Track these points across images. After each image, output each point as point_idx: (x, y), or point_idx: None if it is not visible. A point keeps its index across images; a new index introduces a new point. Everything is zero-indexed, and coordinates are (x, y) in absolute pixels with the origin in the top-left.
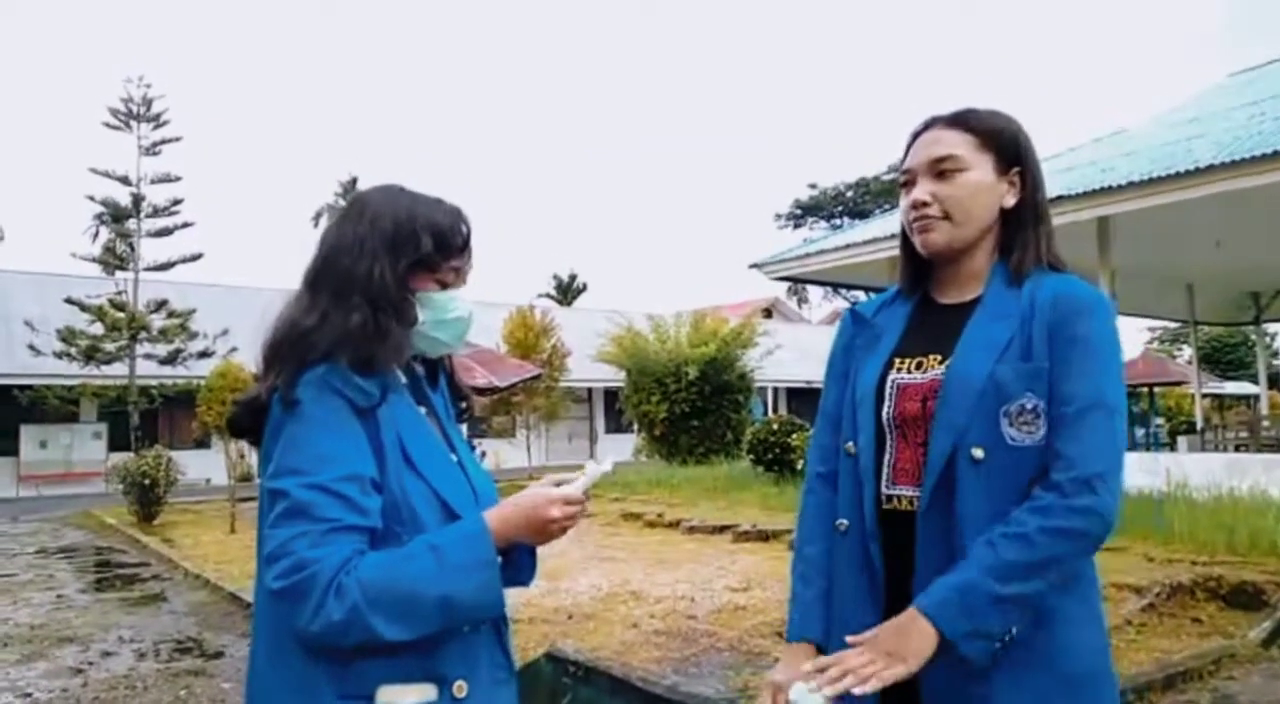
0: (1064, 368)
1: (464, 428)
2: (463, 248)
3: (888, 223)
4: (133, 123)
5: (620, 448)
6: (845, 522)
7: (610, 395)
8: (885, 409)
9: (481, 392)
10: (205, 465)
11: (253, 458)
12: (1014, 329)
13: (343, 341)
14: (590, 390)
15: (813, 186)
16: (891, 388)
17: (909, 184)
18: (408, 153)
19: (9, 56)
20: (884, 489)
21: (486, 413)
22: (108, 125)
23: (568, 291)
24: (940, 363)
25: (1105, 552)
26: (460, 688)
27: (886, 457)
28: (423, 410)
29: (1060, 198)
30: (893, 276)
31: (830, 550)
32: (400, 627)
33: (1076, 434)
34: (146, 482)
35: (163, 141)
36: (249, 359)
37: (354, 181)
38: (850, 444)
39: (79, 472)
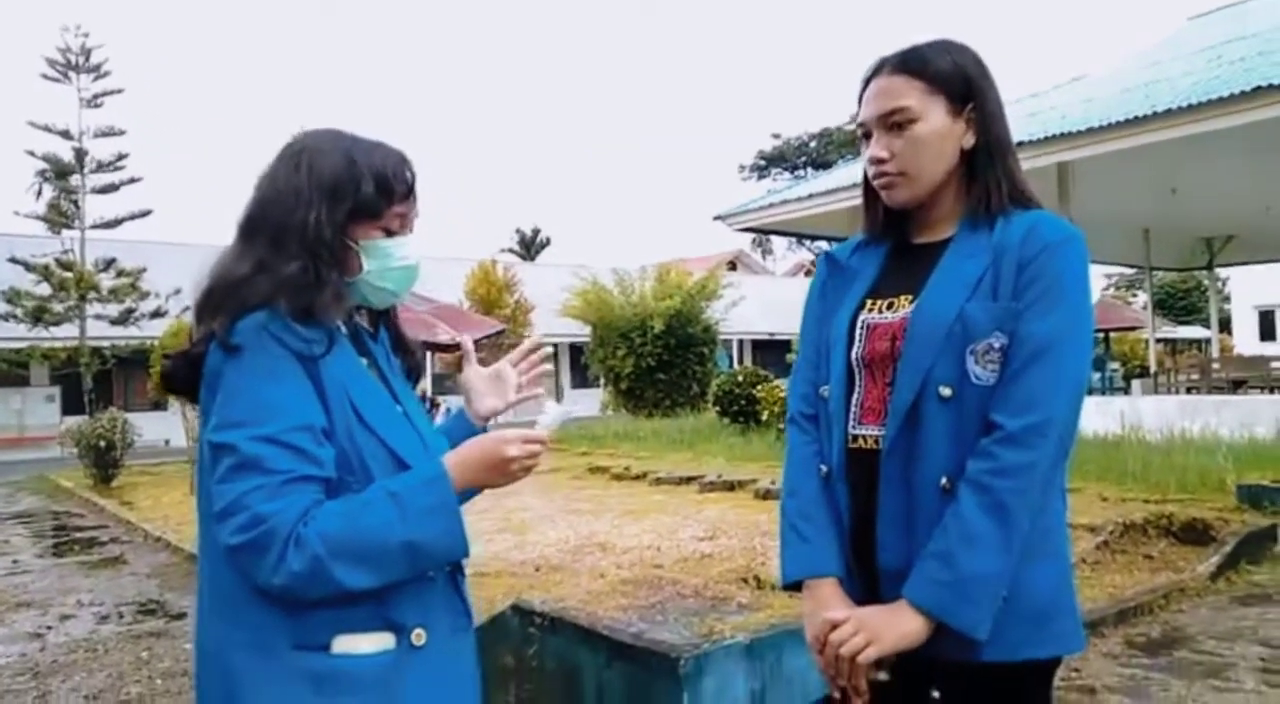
0: (1026, 306)
1: (424, 384)
2: (407, 194)
3: (850, 172)
4: (71, 74)
5: (587, 402)
6: (825, 467)
7: (576, 350)
8: (855, 350)
9: (445, 348)
10: (163, 427)
11: None
12: (984, 267)
13: (281, 289)
14: (556, 346)
15: (776, 137)
16: (862, 328)
17: (867, 136)
18: (362, 102)
19: None
20: (850, 429)
21: (451, 369)
22: (45, 77)
23: (530, 246)
24: (911, 302)
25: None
26: (419, 636)
27: (855, 396)
28: (364, 362)
29: (1021, 144)
30: (854, 227)
31: (824, 488)
32: (364, 575)
33: (1027, 375)
34: (102, 444)
35: (104, 93)
36: None
37: None
38: (825, 388)
39: (32, 436)
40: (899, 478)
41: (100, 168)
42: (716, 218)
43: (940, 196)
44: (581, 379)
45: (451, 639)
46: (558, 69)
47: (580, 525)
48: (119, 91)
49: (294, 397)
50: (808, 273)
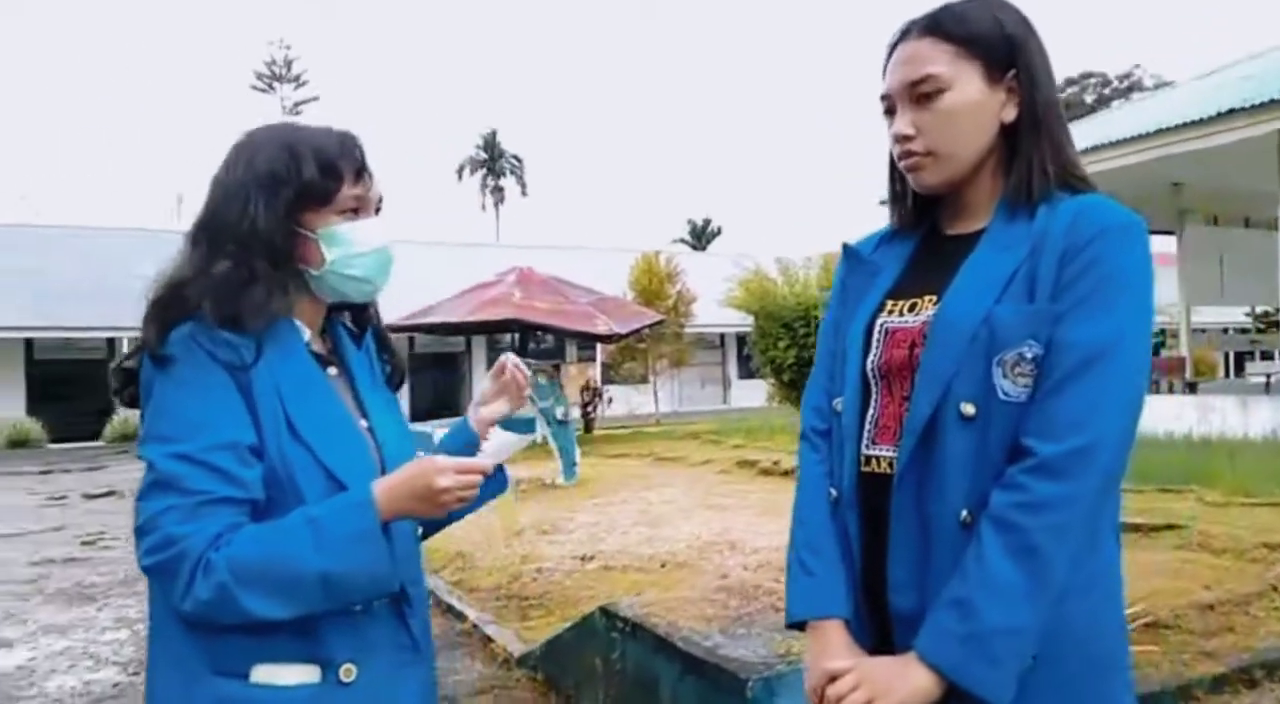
0: (1069, 308)
1: (592, 374)
2: (357, 172)
3: None
4: (275, 84)
5: (752, 394)
6: (835, 491)
7: (743, 341)
8: (871, 357)
9: (602, 338)
10: None
11: (404, 402)
12: (1019, 262)
13: (208, 292)
14: (723, 336)
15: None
16: (880, 333)
17: (891, 111)
18: (546, 103)
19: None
20: (864, 449)
21: (613, 360)
22: (254, 87)
23: (701, 235)
24: (935, 304)
25: (1245, 506)
26: (348, 671)
27: (870, 412)
28: (332, 371)
29: (1234, 111)
30: None
31: (835, 516)
32: (275, 605)
33: (1068, 390)
34: None
35: (303, 101)
36: (387, 312)
37: (494, 134)
38: (839, 400)
39: None
40: (912, 509)
41: None
42: (883, 202)
43: (976, 179)
44: (746, 370)
45: (391, 676)
46: (735, 56)
47: (716, 521)
48: (315, 99)
49: (218, 412)
50: None
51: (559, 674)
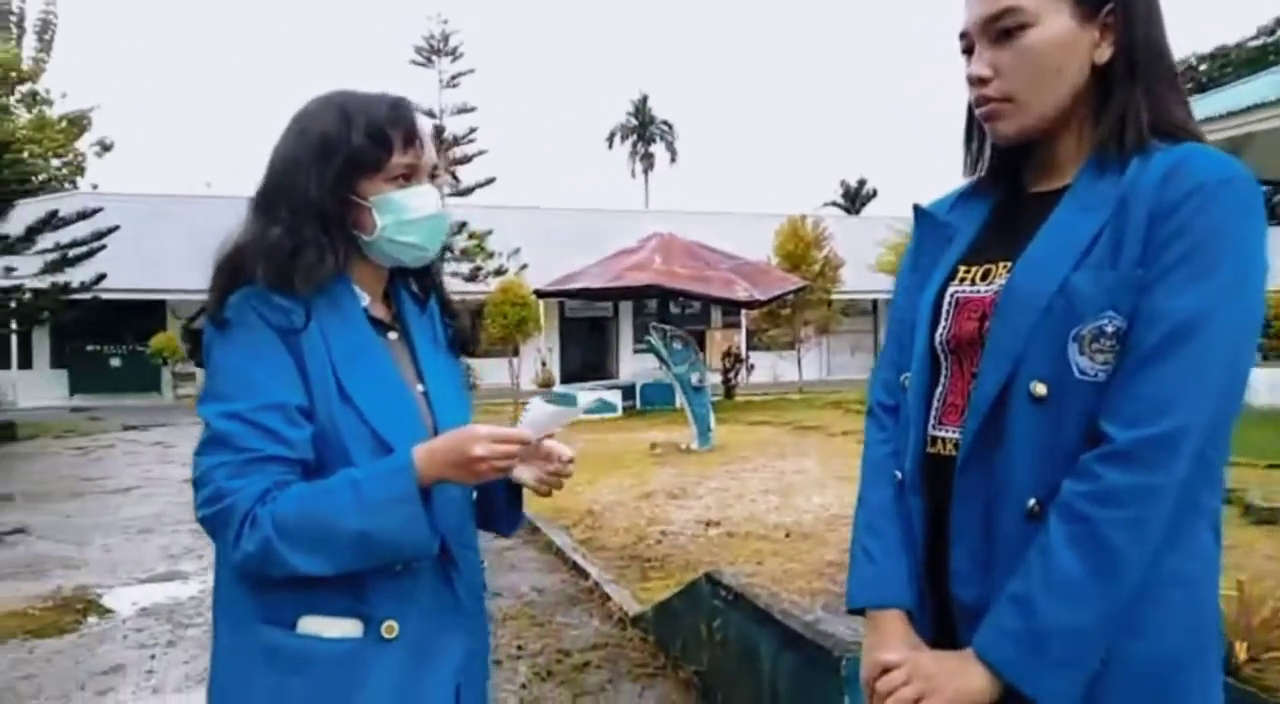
0: (1159, 275)
1: (736, 339)
2: (407, 140)
3: (1231, 96)
4: (434, 58)
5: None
6: (899, 473)
7: None
8: (940, 330)
9: (743, 304)
10: (498, 372)
11: (555, 365)
12: (1103, 223)
13: (262, 258)
14: (875, 302)
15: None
16: (950, 303)
17: (969, 49)
18: (698, 68)
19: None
20: (930, 429)
21: (757, 326)
22: (413, 62)
23: (855, 198)
24: (1009, 271)
25: None
26: (390, 628)
27: (938, 390)
28: (392, 336)
29: None
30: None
31: (899, 498)
32: (316, 561)
33: (1154, 368)
34: None
35: (460, 74)
36: (538, 278)
37: (644, 100)
38: (906, 376)
39: None
40: (977, 496)
41: (456, 142)
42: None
43: (1062, 130)
44: None
45: (433, 635)
46: (895, 6)
47: (848, 494)
48: (472, 72)
49: (270, 374)
50: None
51: (667, 637)
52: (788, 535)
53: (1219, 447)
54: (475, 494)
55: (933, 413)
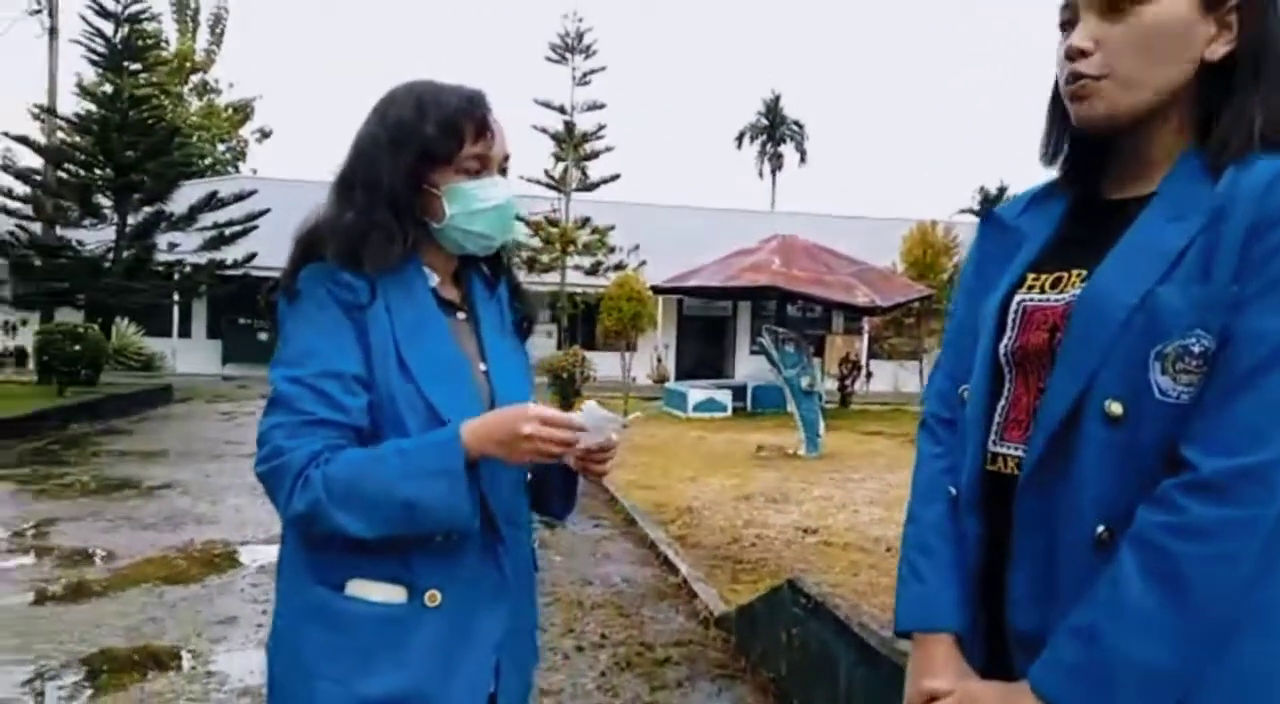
0: (1257, 292)
1: (858, 347)
2: (478, 133)
3: None
4: (568, 55)
5: None
6: (954, 489)
7: None
8: (1005, 340)
9: (862, 310)
10: (612, 366)
11: (670, 361)
12: (1194, 234)
13: (334, 237)
14: None
15: None
16: (1016, 312)
17: (1070, 23)
18: (833, 67)
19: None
20: (990, 445)
21: (880, 333)
22: (548, 58)
23: (994, 205)
24: (1084, 280)
25: None
26: (433, 596)
27: (1000, 403)
28: (460, 316)
29: None
30: None
31: (952, 515)
32: (361, 524)
33: (1246, 394)
34: (565, 375)
35: (592, 72)
36: (658, 275)
37: (777, 100)
38: (965, 387)
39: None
40: (1040, 518)
41: (585, 138)
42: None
43: (1151, 129)
44: None
45: (475, 607)
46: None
47: None
48: (603, 69)
49: (330, 344)
50: None
51: (748, 639)
52: (889, 549)
53: None
54: (531, 477)
55: (994, 428)
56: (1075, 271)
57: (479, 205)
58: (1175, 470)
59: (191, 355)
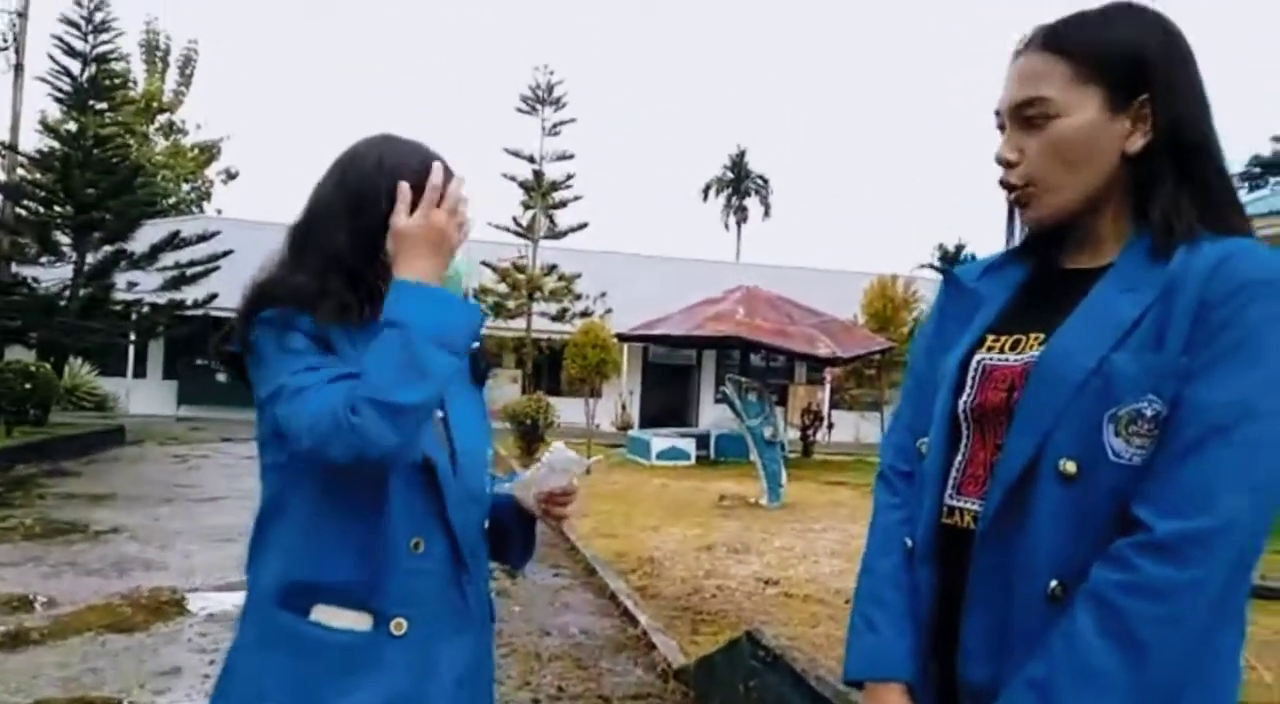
0: (1204, 366)
1: (820, 396)
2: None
3: None
4: (538, 107)
5: None
6: (910, 541)
7: None
8: (964, 397)
9: (824, 361)
10: (576, 412)
11: (634, 408)
12: (1147, 306)
13: (287, 300)
14: None
15: (1278, 140)
16: (976, 370)
17: (1003, 127)
18: (797, 124)
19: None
20: (947, 499)
21: (841, 384)
22: (519, 110)
23: (953, 262)
24: (1042, 343)
25: None
26: (399, 625)
27: (958, 458)
28: None
29: None
30: None
31: (906, 567)
32: (412, 389)
33: (1196, 459)
34: (528, 421)
35: (562, 122)
36: (625, 323)
37: (742, 154)
38: (924, 441)
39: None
40: (995, 572)
41: (554, 187)
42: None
43: (1096, 214)
44: None
45: (441, 637)
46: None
47: None
48: (573, 121)
49: (314, 351)
50: None
51: (708, 692)
52: (847, 601)
53: (1258, 546)
54: (488, 524)
55: (950, 482)
56: (1034, 334)
57: None
58: (1127, 530)
59: (146, 396)
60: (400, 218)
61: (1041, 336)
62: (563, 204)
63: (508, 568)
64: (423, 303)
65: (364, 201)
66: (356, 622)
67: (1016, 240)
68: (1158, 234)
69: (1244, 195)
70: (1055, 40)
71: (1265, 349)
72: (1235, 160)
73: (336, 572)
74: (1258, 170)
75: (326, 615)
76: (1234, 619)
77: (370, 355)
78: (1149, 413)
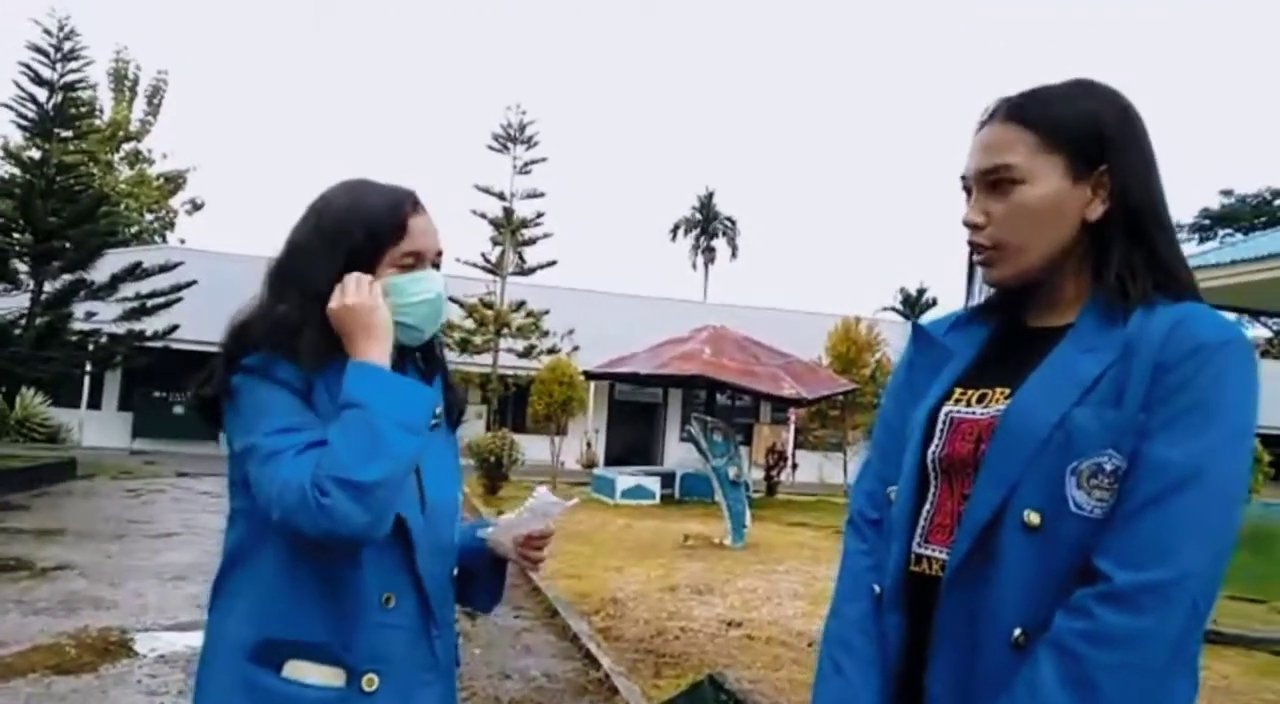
0: (1161, 425)
1: (785, 437)
2: (407, 233)
3: None
4: (509, 145)
5: None
6: (878, 587)
7: None
8: (932, 448)
9: (788, 401)
10: (542, 449)
11: (600, 446)
12: (1107, 365)
13: (267, 328)
14: None
15: (1227, 194)
16: (944, 422)
17: (969, 190)
18: (765, 166)
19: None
20: (915, 547)
21: (805, 425)
22: (490, 147)
23: (915, 306)
24: (1008, 397)
25: None
26: (370, 680)
27: (926, 507)
28: None
29: None
30: None
31: (875, 613)
32: (374, 467)
33: (1154, 514)
34: (493, 459)
35: (533, 161)
36: (592, 360)
37: (710, 196)
38: (893, 489)
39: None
40: (960, 620)
41: (524, 225)
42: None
43: (1058, 276)
44: None
45: (411, 691)
46: (966, 123)
47: None
48: (544, 160)
49: (291, 411)
50: (1264, 352)
51: None
52: (810, 644)
53: (1210, 597)
54: (456, 571)
55: (919, 530)
56: (1000, 389)
57: (409, 299)
58: (1089, 580)
59: (100, 428)
60: (333, 302)
61: (1007, 391)
62: (532, 241)
63: (473, 610)
64: (381, 388)
65: (338, 239)
66: (330, 678)
67: (976, 297)
68: (1113, 297)
69: (1193, 247)
70: (1020, 113)
71: (1219, 409)
72: (1185, 214)
73: (310, 629)
74: (1207, 222)
75: (300, 671)
76: (1189, 665)
77: (335, 432)
78: (1109, 467)
